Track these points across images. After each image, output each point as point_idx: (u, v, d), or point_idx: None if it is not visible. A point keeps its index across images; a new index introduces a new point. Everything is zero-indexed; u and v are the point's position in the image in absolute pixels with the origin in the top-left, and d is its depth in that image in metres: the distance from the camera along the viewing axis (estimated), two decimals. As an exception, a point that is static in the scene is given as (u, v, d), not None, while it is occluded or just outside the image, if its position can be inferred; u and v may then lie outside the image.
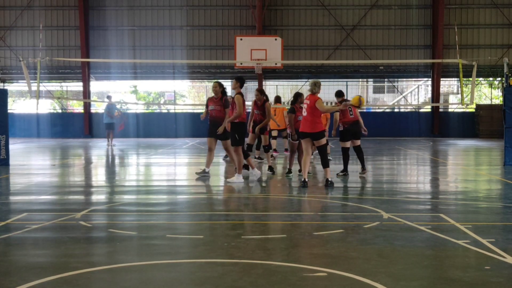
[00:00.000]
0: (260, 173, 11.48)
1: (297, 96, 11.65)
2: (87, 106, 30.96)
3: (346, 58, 30.01)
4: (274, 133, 17.64)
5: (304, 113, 10.15)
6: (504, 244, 5.80)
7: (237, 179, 10.88)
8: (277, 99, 18.29)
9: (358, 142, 11.82)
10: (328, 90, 33.35)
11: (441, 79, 30.80)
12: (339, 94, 12.14)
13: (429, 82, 32.42)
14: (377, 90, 46.37)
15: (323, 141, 10.19)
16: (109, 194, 9.92)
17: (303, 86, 33.88)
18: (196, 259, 5.32)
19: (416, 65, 31.32)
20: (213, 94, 11.39)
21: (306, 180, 10.14)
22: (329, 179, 10.16)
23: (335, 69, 31.84)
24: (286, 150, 18.39)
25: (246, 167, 12.18)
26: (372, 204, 8.27)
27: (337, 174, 11.72)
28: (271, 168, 12.45)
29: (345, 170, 11.79)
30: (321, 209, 8.32)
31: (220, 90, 11.29)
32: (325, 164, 10.21)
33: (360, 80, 38.14)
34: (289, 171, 11.86)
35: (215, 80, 11.52)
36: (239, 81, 11.13)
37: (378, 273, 4.79)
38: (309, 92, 10.22)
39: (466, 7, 30.11)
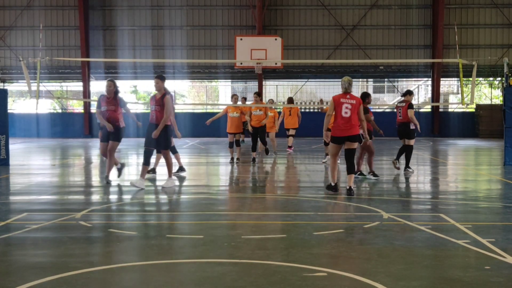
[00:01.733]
0: (174, 181, 10.70)
1: (365, 96, 11.45)
2: (87, 106, 30.95)
3: (346, 58, 30.00)
4: (292, 132, 18.23)
5: (346, 113, 9.14)
6: (504, 244, 5.80)
7: (171, 183, 10.31)
8: (290, 100, 18.69)
9: (409, 142, 12.44)
10: (328, 90, 33.40)
11: (441, 79, 30.80)
12: (406, 93, 12.77)
13: (429, 82, 32.42)
14: (377, 90, 46.37)
15: (357, 144, 9.47)
16: (109, 194, 9.92)
17: (303, 86, 33.92)
18: (196, 259, 5.32)
19: (416, 65, 31.31)
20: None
21: (335, 184, 9.39)
22: (352, 187, 9.25)
23: (335, 69, 31.83)
24: (289, 147, 18.74)
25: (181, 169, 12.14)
26: (372, 204, 8.26)
27: (405, 170, 12.35)
28: (181, 169, 12.16)
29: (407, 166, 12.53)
30: (321, 209, 8.32)
31: (113, 89, 10.48)
32: (352, 169, 9.37)
33: (360, 80, 38.15)
34: (374, 174, 11.39)
35: (109, 79, 10.70)
36: (164, 80, 10.19)
37: (378, 273, 4.79)
38: (345, 90, 9.27)
39: (466, 7, 30.10)
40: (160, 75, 10.25)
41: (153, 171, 12.08)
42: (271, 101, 19.53)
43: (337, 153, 9.51)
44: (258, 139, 15.15)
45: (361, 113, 9.28)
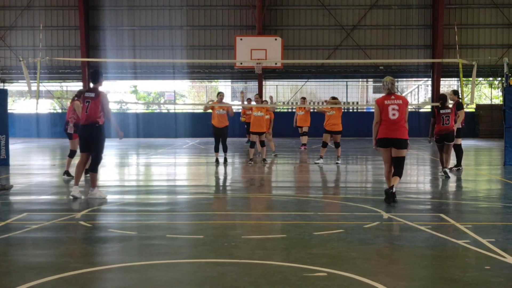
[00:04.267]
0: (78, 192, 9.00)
1: (445, 99, 11.94)
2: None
3: (346, 58, 30.01)
4: (305, 129, 18.76)
5: (394, 115, 8.30)
6: (504, 244, 5.80)
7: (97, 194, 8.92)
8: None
9: (457, 141, 12.59)
10: (328, 90, 33.40)
11: (441, 79, 30.80)
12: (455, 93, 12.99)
13: (429, 82, 32.43)
14: (377, 90, 46.32)
15: (405, 152, 8.49)
16: (109, 194, 9.91)
17: (303, 86, 33.92)
18: (196, 259, 5.32)
19: (416, 65, 31.31)
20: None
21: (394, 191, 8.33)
22: (395, 188, 8.35)
23: (335, 69, 31.84)
24: (303, 145, 19.24)
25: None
26: (372, 204, 8.26)
27: (451, 169, 12.33)
28: (67, 173, 11.53)
29: (459, 164, 12.79)
30: (321, 209, 8.32)
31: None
32: (399, 173, 8.42)
33: (360, 80, 38.17)
34: (446, 172, 11.51)
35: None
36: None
37: (378, 273, 4.79)
38: (388, 91, 8.48)
39: (466, 7, 30.11)
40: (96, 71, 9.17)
41: (68, 173, 11.51)
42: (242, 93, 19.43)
43: (388, 159, 8.45)
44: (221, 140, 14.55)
45: (406, 114, 8.42)
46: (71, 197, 8.89)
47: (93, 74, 9.08)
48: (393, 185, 8.26)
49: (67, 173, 11.65)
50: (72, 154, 11.71)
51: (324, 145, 14.47)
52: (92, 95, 8.90)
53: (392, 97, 8.41)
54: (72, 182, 9.60)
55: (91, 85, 9.12)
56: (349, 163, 15.53)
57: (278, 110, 31.65)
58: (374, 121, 8.57)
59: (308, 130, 19.69)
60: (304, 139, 19.61)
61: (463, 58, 25.83)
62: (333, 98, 15.08)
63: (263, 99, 20.67)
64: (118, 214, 7.86)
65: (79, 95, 11.43)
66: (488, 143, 24.82)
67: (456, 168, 12.78)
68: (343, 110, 33.72)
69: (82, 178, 11.28)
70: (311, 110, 20.33)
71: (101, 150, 8.98)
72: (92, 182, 8.95)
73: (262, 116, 14.75)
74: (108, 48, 30.25)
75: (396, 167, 8.39)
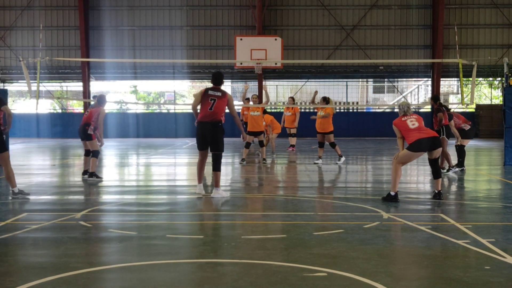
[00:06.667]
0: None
1: (438, 99, 12.86)
2: (87, 106, 30.91)
3: (346, 58, 30.02)
4: (293, 131, 18.68)
5: (413, 125, 8.83)
6: (504, 244, 5.80)
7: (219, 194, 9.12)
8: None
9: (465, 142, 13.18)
10: (328, 90, 33.40)
11: (441, 79, 30.81)
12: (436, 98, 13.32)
13: (429, 82, 32.44)
14: (377, 90, 46.39)
15: (440, 151, 8.98)
16: (109, 194, 9.92)
17: (303, 86, 33.94)
18: (196, 259, 5.32)
19: (416, 65, 31.33)
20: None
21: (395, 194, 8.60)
22: (441, 191, 8.80)
23: (335, 69, 31.85)
24: (291, 146, 19.14)
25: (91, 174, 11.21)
26: (372, 204, 8.26)
27: (449, 168, 12.56)
28: (96, 175, 11.29)
29: (461, 165, 12.91)
30: (321, 209, 8.32)
31: None
32: (438, 174, 8.89)
33: (360, 80, 38.19)
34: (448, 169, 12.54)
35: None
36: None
37: (378, 273, 4.79)
38: (404, 113, 9.12)
39: (466, 7, 30.12)
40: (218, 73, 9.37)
41: (91, 175, 11.25)
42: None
43: (407, 162, 8.90)
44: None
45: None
46: (197, 197, 9.00)
47: (218, 75, 9.19)
48: (440, 190, 8.74)
49: (95, 175, 11.21)
50: (96, 154, 11.35)
51: (320, 145, 14.50)
52: (219, 94, 9.05)
53: (408, 115, 8.99)
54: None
55: (215, 85, 9.16)
56: (349, 163, 15.52)
57: (277, 110, 31.65)
58: (397, 137, 9.07)
59: (296, 132, 19.32)
60: (293, 140, 19.31)
61: (463, 58, 25.83)
62: (324, 98, 14.88)
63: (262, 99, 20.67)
64: (118, 214, 7.86)
65: (102, 101, 11.96)
66: (488, 143, 24.83)
67: (448, 169, 12.72)
68: (343, 111, 33.82)
69: (81, 178, 11.30)
70: (300, 110, 20.13)
71: (222, 148, 9.06)
72: (216, 182, 9.06)
73: (258, 115, 14.73)
74: (108, 48, 30.26)
75: (435, 169, 8.86)
